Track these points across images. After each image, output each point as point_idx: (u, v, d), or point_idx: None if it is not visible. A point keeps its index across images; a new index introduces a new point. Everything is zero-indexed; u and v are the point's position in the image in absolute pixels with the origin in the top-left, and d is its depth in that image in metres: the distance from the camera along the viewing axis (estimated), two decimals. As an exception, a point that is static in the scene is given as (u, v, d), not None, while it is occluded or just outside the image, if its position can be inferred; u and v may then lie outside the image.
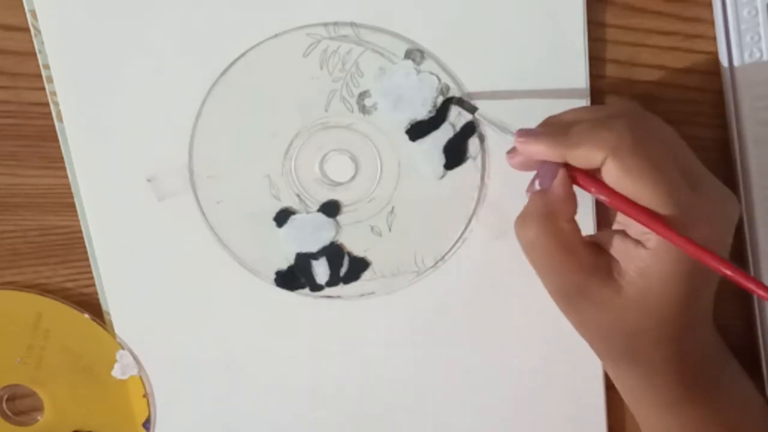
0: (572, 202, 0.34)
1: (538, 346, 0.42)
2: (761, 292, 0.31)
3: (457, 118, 0.40)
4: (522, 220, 0.34)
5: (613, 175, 0.32)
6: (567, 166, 0.33)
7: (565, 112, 0.35)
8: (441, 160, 0.40)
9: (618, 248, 0.34)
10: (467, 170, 0.40)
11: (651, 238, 0.32)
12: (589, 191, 0.33)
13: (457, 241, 0.41)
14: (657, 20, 0.39)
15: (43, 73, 0.39)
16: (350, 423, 0.43)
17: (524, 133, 0.34)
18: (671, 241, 0.31)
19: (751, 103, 0.39)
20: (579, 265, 0.34)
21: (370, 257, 0.41)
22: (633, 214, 0.32)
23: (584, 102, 0.39)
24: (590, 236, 0.35)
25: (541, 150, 0.33)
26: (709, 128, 0.40)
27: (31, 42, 0.39)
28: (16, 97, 0.40)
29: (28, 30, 0.39)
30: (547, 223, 0.33)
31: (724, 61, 0.39)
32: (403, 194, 0.41)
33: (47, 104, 0.39)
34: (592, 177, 0.33)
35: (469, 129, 0.40)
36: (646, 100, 0.40)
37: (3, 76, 0.40)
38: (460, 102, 0.39)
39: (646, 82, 0.40)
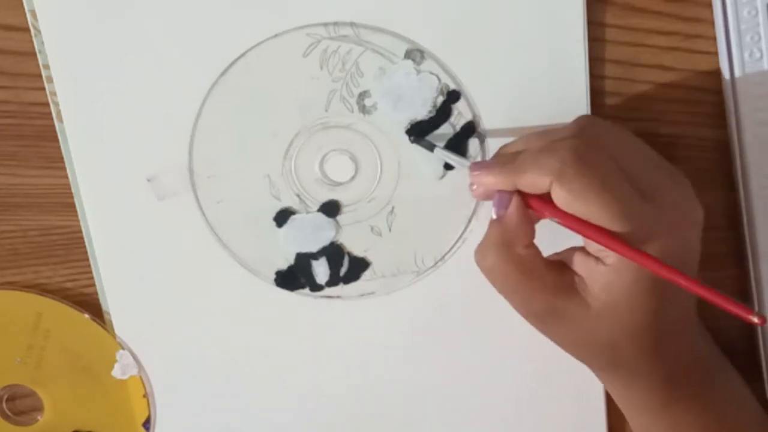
0: (528, 228, 0.34)
1: (538, 347, 0.42)
2: (718, 300, 0.30)
3: (457, 118, 0.40)
4: (480, 249, 0.35)
5: (561, 198, 0.32)
6: (521, 193, 0.34)
7: (515, 141, 0.36)
8: (441, 160, 0.40)
9: (581, 266, 0.34)
10: (467, 170, 0.40)
11: (609, 254, 0.33)
12: (543, 216, 0.34)
13: (457, 241, 0.41)
14: (657, 20, 0.39)
15: (43, 73, 0.39)
16: (350, 423, 0.43)
17: (477, 166, 0.36)
18: (626, 257, 0.31)
19: (751, 103, 0.39)
20: (542, 287, 0.34)
21: (370, 257, 0.41)
22: (586, 233, 0.32)
23: (584, 102, 0.39)
24: (556, 254, 0.36)
25: (492, 180, 0.34)
26: (709, 128, 0.40)
27: (31, 42, 0.39)
28: (16, 97, 0.40)
29: (28, 30, 0.39)
30: (503, 251, 0.34)
31: (723, 61, 0.39)
32: (403, 194, 0.41)
33: (47, 104, 0.39)
34: (545, 201, 0.33)
35: (469, 129, 0.40)
36: (646, 100, 0.40)
37: (3, 76, 0.40)
38: (418, 141, 0.39)
39: (646, 82, 0.40)
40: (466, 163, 0.37)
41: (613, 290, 0.33)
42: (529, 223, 0.34)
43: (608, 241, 0.32)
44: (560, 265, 0.35)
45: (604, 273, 0.33)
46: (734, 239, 0.41)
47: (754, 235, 0.40)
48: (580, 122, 0.35)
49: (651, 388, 0.35)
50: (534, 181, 0.33)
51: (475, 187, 0.36)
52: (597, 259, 0.33)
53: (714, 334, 0.39)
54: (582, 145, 0.32)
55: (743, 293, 0.41)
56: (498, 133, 0.39)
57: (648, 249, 0.31)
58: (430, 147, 0.39)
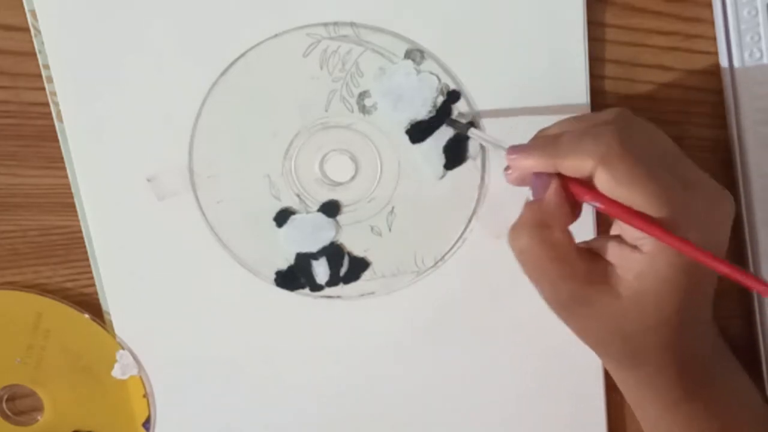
0: (565, 211, 0.34)
1: (539, 346, 0.42)
2: (760, 287, 0.31)
3: (458, 118, 0.40)
4: (514, 230, 0.34)
5: (604, 182, 0.32)
6: (560, 176, 0.33)
7: (554, 125, 0.35)
8: (441, 160, 0.40)
9: (614, 254, 0.34)
10: (467, 170, 0.40)
11: (646, 242, 0.32)
12: (584, 200, 0.33)
13: (457, 241, 0.41)
14: (657, 20, 0.39)
15: (43, 73, 0.39)
16: (350, 423, 0.43)
17: (515, 150, 0.35)
18: (668, 243, 0.31)
19: (751, 103, 0.39)
20: (573, 275, 0.34)
21: (370, 257, 0.41)
22: (628, 219, 0.32)
23: (584, 102, 0.39)
24: (585, 243, 0.36)
25: (531, 163, 0.34)
26: (709, 128, 0.40)
27: (31, 42, 0.39)
28: (16, 97, 0.40)
29: (28, 30, 0.39)
30: (539, 232, 0.34)
31: (724, 61, 0.39)
32: (403, 194, 0.41)
33: (47, 104, 0.39)
34: (586, 185, 0.33)
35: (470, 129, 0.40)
36: (646, 100, 0.40)
37: (3, 76, 0.40)
38: (452, 123, 0.39)
39: (646, 82, 0.40)
40: (503, 145, 0.36)
41: (646, 279, 0.33)
42: (567, 207, 0.34)
43: (650, 227, 0.31)
44: (591, 253, 0.35)
45: (639, 261, 0.33)
46: (734, 239, 0.41)
47: (754, 235, 0.40)
48: (617, 110, 0.34)
49: (666, 385, 0.35)
50: (577, 165, 0.32)
51: (510, 171, 0.35)
52: (633, 247, 0.33)
53: (714, 334, 0.40)
54: (625, 130, 0.32)
55: (743, 293, 0.41)
56: (498, 132, 0.39)
57: (688, 237, 0.31)
58: (465, 128, 0.38)
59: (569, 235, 0.34)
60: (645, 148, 0.32)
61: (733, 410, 0.37)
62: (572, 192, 0.33)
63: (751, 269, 0.40)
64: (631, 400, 0.38)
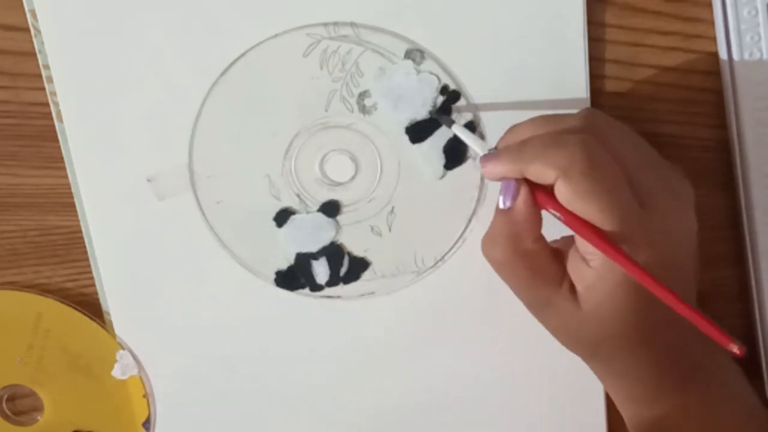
0: (536, 220, 0.34)
1: (538, 346, 0.42)
2: (699, 321, 0.31)
3: (458, 118, 0.40)
4: (488, 241, 0.35)
5: (563, 195, 0.32)
6: (528, 181, 0.34)
7: (526, 122, 0.35)
8: (441, 160, 0.40)
9: (571, 264, 0.34)
10: (467, 170, 0.40)
11: (595, 258, 0.33)
12: (545, 208, 0.33)
13: (457, 241, 0.41)
14: (657, 20, 0.39)
15: (43, 73, 0.39)
16: (350, 423, 0.43)
17: (486, 158, 0.35)
18: (615, 262, 0.32)
19: (751, 103, 0.39)
20: (545, 282, 0.34)
21: (370, 257, 0.41)
22: (582, 233, 0.32)
23: (585, 103, 0.39)
24: (556, 242, 0.36)
25: (501, 170, 0.34)
26: (709, 128, 0.40)
27: (31, 42, 0.39)
28: (16, 97, 0.40)
29: (28, 30, 0.39)
30: (513, 244, 0.34)
31: (723, 61, 0.39)
32: (403, 194, 0.41)
33: (47, 104, 0.39)
34: (549, 194, 0.33)
35: (470, 129, 0.40)
36: (646, 100, 0.40)
37: (3, 76, 0.40)
38: (439, 115, 0.39)
39: (646, 82, 0.40)
40: (481, 147, 0.36)
41: (595, 293, 0.33)
42: (537, 216, 0.34)
43: (601, 244, 0.32)
44: (561, 256, 0.35)
45: (589, 275, 0.33)
46: (734, 239, 0.41)
47: (754, 235, 0.40)
48: (587, 115, 0.34)
49: (637, 383, 0.36)
50: (540, 173, 0.32)
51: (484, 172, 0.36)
52: (584, 260, 0.34)
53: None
54: (591, 142, 0.32)
55: (743, 293, 0.41)
56: (498, 132, 0.39)
57: (638, 256, 0.32)
58: (449, 122, 0.38)
59: (542, 242, 0.35)
60: (610, 161, 0.32)
61: (721, 409, 0.37)
62: (536, 199, 0.34)
63: (751, 269, 0.40)
64: (611, 394, 0.38)
